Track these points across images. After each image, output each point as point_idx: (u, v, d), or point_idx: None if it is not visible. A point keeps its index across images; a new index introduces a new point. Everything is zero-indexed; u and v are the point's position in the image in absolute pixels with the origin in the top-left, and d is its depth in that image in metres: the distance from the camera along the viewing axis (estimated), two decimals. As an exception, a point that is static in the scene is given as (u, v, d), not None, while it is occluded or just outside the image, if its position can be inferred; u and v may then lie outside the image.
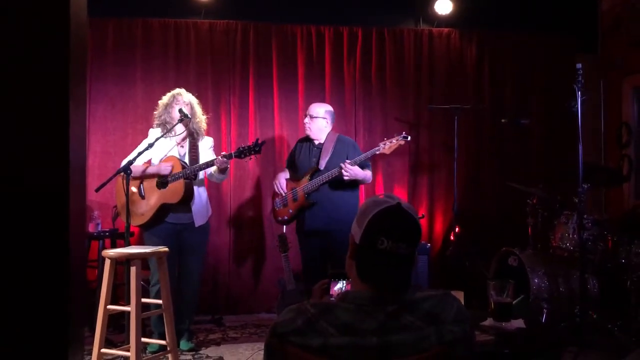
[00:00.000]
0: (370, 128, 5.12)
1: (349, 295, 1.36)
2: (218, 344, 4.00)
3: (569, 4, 5.36)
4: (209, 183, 4.12)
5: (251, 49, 4.98)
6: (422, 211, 5.12)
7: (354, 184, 3.87)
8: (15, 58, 1.32)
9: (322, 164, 3.86)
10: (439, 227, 5.20)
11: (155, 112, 3.83)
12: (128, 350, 3.00)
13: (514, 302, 2.32)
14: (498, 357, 2.10)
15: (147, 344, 3.60)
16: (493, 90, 5.30)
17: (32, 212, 1.32)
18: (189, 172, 3.63)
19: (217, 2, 4.91)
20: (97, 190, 3.53)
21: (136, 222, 3.70)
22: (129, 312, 3.03)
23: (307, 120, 3.95)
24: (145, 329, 3.75)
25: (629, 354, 2.98)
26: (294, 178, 3.98)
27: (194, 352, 3.77)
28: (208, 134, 4.01)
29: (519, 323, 2.29)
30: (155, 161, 3.75)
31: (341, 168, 3.71)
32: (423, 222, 5.05)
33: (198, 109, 3.84)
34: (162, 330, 3.43)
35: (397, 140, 3.83)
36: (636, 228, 3.99)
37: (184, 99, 3.77)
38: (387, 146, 3.83)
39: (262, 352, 1.39)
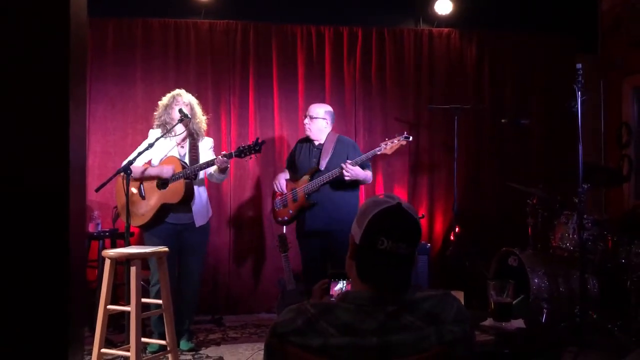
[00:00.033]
0: (370, 128, 5.12)
1: (349, 296, 1.36)
2: (218, 344, 4.00)
3: (569, 4, 5.36)
4: (209, 183, 4.12)
5: (251, 49, 4.98)
6: (422, 211, 5.12)
7: (354, 184, 3.87)
8: (15, 58, 1.32)
9: (323, 165, 3.86)
10: (439, 227, 5.20)
11: (155, 113, 3.83)
12: (128, 350, 3.00)
13: (514, 302, 2.32)
14: (498, 357, 2.10)
15: (147, 344, 3.60)
16: (493, 90, 5.30)
17: (32, 212, 1.32)
18: (189, 172, 3.64)
19: (217, 2, 4.91)
20: (97, 190, 3.53)
21: (137, 222, 3.70)
22: (129, 312, 3.03)
23: (307, 121, 3.95)
24: (145, 329, 3.75)
25: (629, 354, 2.98)
26: (294, 178, 3.98)
27: (194, 352, 3.77)
28: (208, 134, 4.01)
29: (519, 323, 2.29)
30: (155, 162, 3.75)
31: (342, 168, 3.71)
32: (423, 222, 5.05)
33: (198, 110, 3.84)
34: (162, 330, 3.43)
35: (398, 140, 3.83)
36: (636, 228, 3.99)
37: (184, 99, 3.77)
38: (388, 146, 3.82)
39: (262, 352, 1.39)
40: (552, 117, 5.26)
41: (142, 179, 3.70)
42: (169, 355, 3.24)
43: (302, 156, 4.00)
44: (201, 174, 3.79)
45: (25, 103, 1.32)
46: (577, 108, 3.68)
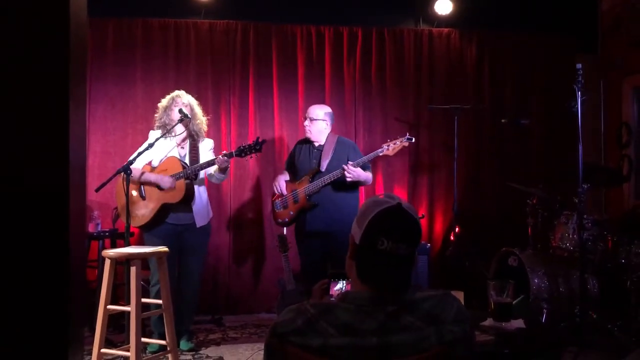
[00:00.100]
0: (370, 128, 5.12)
1: (349, 296, 1.36)
2: (218, 344, 4.00)
3: (569, 4, 5.36)
4: (209, 184, 4.12)
5: (251, 49, 4.98)
6: (422, 211, 5.12)
7: (355, 185, 3.87)
8: (15, 58, 1.32)
9: (323, 166, 3.86)
10: (439, 227, 5.20)
11: (155, 115, 3.83)
12: (128, 350, 3.00)
13: (514, 302, 2.32)
14: (498, 357, 2.10)
15: (147, 344, 3.60)
16: (493, 90, 5.30)
17: (32, 212, 1.32)
18: (190, 172, 3.64)
19: (217, 2, 4.91)
20: (97, 190, 3.54)
21: (137, 223, 3.69)
22: (129, 312, 3.03)
23: (307, 123, 3.94)
24: (145, 329, 3.75)
25: (629, 354, 2.98)
26: (294, 180, 3.97)
27: (194, 352, 3.77)
28: (208, 134, 4.00)
29: (519, 323, 2.29)
30: (155, 162, 3.75)
31: (344, 170, 3.71)
32: (423, 222, 5.05)
33: (198, 110, 3.83)
34: (162, 330, 3.43)
35: (401, 142, 3.83)
36: (636, 228, 3.99)
37: (183, 100, 3.77)
38: (390, 148, 3.83)
39: (262, 352, 1.39)
40: (552, 117, 5.26)
41: (141, 183, 3.70)
42: (169, 355, 3.24)
43: (302, 157, 4.00)
44: (201, 174, 3.79)
45: (25, 103, 1.32)
46: (577, 108, 3.68)
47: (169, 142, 3.76)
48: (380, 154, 3.86)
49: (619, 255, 3.84)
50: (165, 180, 3.62)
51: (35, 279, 1.32)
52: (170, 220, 3.69)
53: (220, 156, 3.63)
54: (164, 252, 3.23)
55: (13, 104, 1.32)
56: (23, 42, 1.32)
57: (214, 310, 4.70)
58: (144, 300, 3.17)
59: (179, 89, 3.89)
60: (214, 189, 4.72)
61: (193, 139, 3.80)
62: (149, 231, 3.71)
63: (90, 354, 3.10)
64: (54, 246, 1.33)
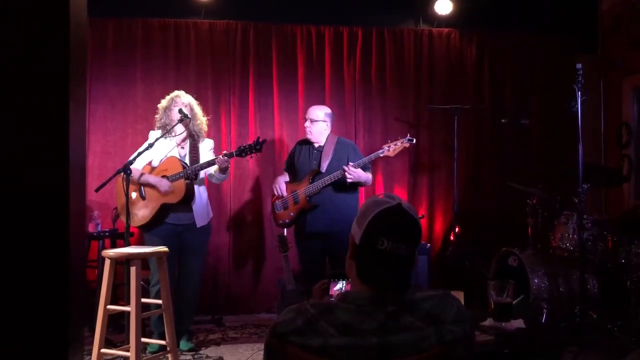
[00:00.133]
0: (370, 128, 5.12)
1: (349, 296, 1.36)
2: (218, 344, 4.00)
3: (569, 4, 5.36)
4: (209, 183, 4.12)
5: (251, 49, 4.98)
6: (422, 211, 5.12)
7: (355, 186, 3.87)
8: (15, 58, 1.32)
9: (324, 167, 3.85)
10: (439, 227, 5.20)
11: (156, 116, 3.83)
12: (128, 351, 3.00)
13: (514, 302, 2.32)
14: (498, 357, 2.10)
15: (147, 344, 3.60)
16: (493, 90, 5.30)
17: (32, 212, 1.32)
18: (190, 172, 3.64)
19: (217, 2, 4.91)
20: (97, 190, 3.54)
21: (137, 223, 3.69)
22: (128, 312, 3.03)
23: (307, 124, 3.92)
24: (145, 329, 3.75)
25: (629, 354, 2.98)
26: (294, 181, 3.97)
27: (193, 352, 3.77)
28: (208, 134, 4.00)
29: (519, 323, 2.29)
30: (155, 162, 3.75)
31: (344, 171, 3.71)
32: (423, 222, 5.05)
33: (198, 110, 3.83)
34: (162, 331, 3.43)
35: (401, 142, 3.83)
36: (636, 228, 3.99)
37: (183, 100, 3.77)
38: (391, 149, 3.83)
39: (262, 352, 1.39)
40: (552, 117, 5.26)
41: (140, 184, 3.70)
42: (169, 356, 3.24)
43: (301, 158, 3.99)
44: (202, 174, 3.79)
45: (25, 103, 1.32)
46: (577, 108, 3.68)
47: (169, 142, 3.76)
48: (381, 155, 3.85)
49: (619, 255, 3.84)
50: (163, 184, 3.61)
51: (35, 279, 1.32)
52: (170, 220, 3.69)
53: (220, 156, 3.63)
54: (164, 252, 3.23)
55: (13, 104, 1.32)
56: (23, 42, 1.32)
57: (214, 310, 4.70)
58: (144, 300, 3.17)
59: (178, 89, 3.89)
60: (214, 189, 4.72)
61: (193, 139, 3.80)
62: (149, 231, 3.71)
63: (90, 354, 3.10)
64: (54, 246, 1.33)
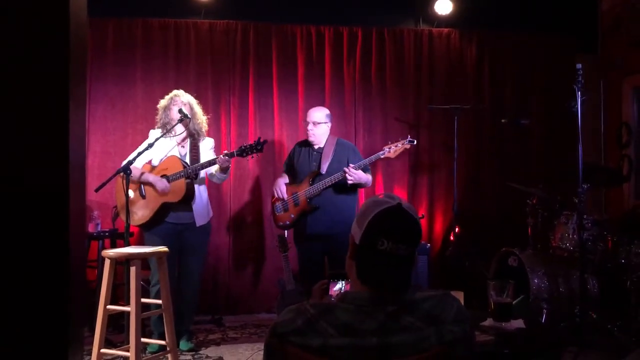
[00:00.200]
0: (370, 128, 5.12)
1: (349, 296, 1.36)
2: (218, 344, 4.00)
3: (569, 4, 5.36)
4: (209, 183, 4.12)
5: (251, 49, 4.98)
6: (422, 211, 5.12)
7: (354, 187, 3.86)
8: (15, 58, 1.32)
9: (324, 168, 3.85)
10: (439, 227, 5.20)
11: (156, 117, 3.83)
12: (128, 351, 3.00)
13: (514, 302, 2.32)
14: (498, 357, 2.10)
15: (147, 344, 3.60)
16: (493, 90, 5.30)
17: (32, 212, 1.32)
18: (190, 171, 3.64)
19: (217, 2, 4.91)
20: (97, 190, 3.54)
21: (137, 222, 3.69)
22: (128, 312, 3.03)
23: (310, 127, 3.89)
24: (145, 329, 3.75)
25: (629, 354, 2.98)
26: (294, 183, 3.96)
27: (193, 353, 3.77)
28: (208, 134, 4.00)
29: (519, 323, 2.29)
30: (155, 162, 3.75)
31: (345, 172, 3.70)
32: (423, 222, 5.05)
33: (198, 110, 3.83)
34: (162, 331, 3.43)
35: (402, 144, 3.82)
36: (636, 228, 3.99)
37: (182, 99, 3.77)
38: (392, 150, 3.82)
39: (262, 352, 1.39)
40: (552, 117, 5.26)
41: (140, 183, 3.70)
42: (169, 356, 3.24)
43: (301, 160, 3.98)
44: (202, 174, 3.79)
45: (25, 103, 1.32)
46: (577, 108, 3.68)
47: (169, 141, 3.76)
48: (382, 157, 3.84)
49: (619, 255, 3.84)
50: (160, 184, 3.61)
51: (35, 279, 1.32)
52: (170, 220, 3.69)
53: (221, 156, 3.63)
54: (164, 252, 3.23)
55: (13, 104, 1.32)
56: (23, 42, 1.32)
57: (214, 310, 4.70)
58: (143, 300, 3.17)
59: (178, 89, 3.89)
60: (214, 189, 4.72)
61: (193, 138, 3.80)
62: (149, 230, 3.71)
63: (90, 354, 3.10)
64: (54, 246, 1.33)
